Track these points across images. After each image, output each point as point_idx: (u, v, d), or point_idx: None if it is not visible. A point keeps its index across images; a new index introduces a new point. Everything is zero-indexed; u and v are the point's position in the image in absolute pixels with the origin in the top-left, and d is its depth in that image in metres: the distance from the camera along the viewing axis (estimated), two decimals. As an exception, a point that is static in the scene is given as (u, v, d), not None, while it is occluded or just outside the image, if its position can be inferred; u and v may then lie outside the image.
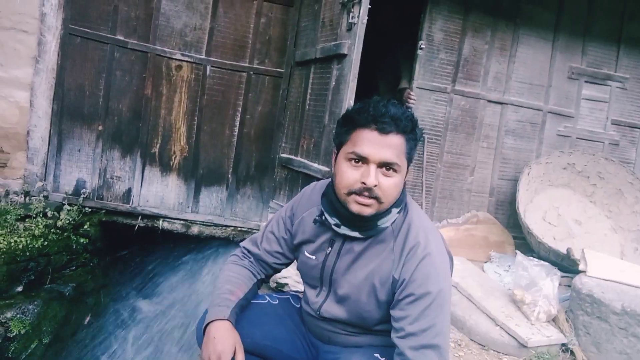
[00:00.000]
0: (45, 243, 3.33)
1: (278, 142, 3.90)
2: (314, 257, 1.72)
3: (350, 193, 1.49)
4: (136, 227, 3.78)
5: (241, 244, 1.92)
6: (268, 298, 1.90)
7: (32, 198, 3.46)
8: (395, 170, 1.46)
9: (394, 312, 1.49)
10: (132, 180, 3.74)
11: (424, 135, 4.12)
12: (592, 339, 3.20)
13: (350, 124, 1.54)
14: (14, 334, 2.82)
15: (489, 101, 4.29)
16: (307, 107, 3.56)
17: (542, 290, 3.43)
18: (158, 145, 3.75)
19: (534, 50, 4.36)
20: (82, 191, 3.63)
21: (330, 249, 1.66)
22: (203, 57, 3.75)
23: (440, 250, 1.52)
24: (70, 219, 3.49)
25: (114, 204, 3.72)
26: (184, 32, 3.72)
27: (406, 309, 1.45)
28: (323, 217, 1.66)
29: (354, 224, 1.56)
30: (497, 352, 3.09)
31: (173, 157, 3.78)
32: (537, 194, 4.37)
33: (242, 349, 1.54)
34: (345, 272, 1.61)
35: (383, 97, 1.58)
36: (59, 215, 3.45)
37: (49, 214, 3.42)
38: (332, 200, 1.60)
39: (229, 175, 3.88)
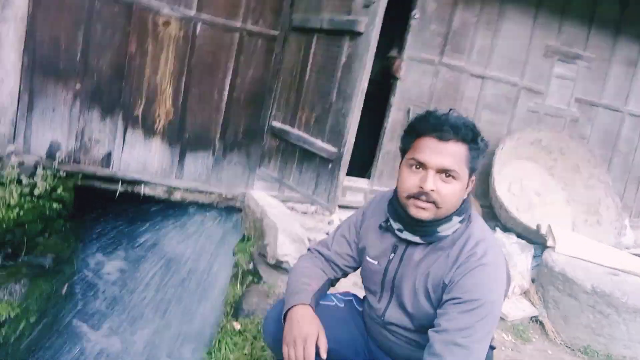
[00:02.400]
0: (21, 213, 3.06)
1: (268, 108, 3.75)
2: (376, 262, 1.76)
3: (409, 197, 1.55)
4: (117, 193, 3.55)
5: (311, 246, 1.95)
6: (335, 300, 1.95)
7: (3, 163, 3.12)
8: (454, 177, 1.52)
9: (438, 311, 1.56)
10: (112, 144, 3.46)
11: (409, 106, 4.14)
12: (560, 312, 3.53)
13: (412, 132, 1.59)
14: (3, 318, 2.63)
15: (472, 75, 4.36)
16: (308, 77, 3.43)
17: (517, 266, 3.70)
18: (141, 107, 3.46)
19: (517, 26, 4.42)
20: (57, 154, 3.31)
21: (393, 254, 1.70)
22: (193, 13, 3.43)
23: (497, 264, 1.57)
24: (47, 186, 3.21)
25: (92, 168, 3.45)
26: (172, -17, 3.37)
27: (448, 309, 1.51)
28: (388, 223, 1.71)
29: (415, 229, 1.61)
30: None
31: (157, 120, 3.52)
32: (505, 166, 4.60)
33: (324, 334, 1.58)
34: (406, 277, 1.66)
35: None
36: (36, 182, 3.16)
37: (24, 181, 3.12)
38: (396, 206, 1.64)
39: (216, 141, 3.70)
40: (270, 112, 3.74)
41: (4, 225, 2.95)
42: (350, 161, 3.19)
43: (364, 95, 3.07)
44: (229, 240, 3.84)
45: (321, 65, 3.32)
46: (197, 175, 3.72)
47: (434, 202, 1.52)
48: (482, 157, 1.61)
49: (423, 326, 1.65)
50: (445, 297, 1.55)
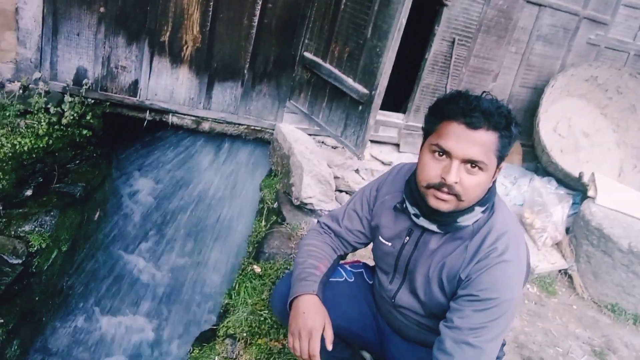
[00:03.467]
0: (50, 142, 3.07)
1: (300, 37, 3.51)
2: (389, 244, 1.69)
3: (429, 187, 1.43)
4: (145, 122, 3.51)
5: (320, 219, 1.88)
6: (345, 275, 1.91)
7: (30, 91, 3.09)
8: (480, 168, 1.38)
9: (451, 304, 1.49)
10: (139, 72, 3.35)
11: (454, 36, 3.82)
12: (592, 268, 3.43)
13: (438, 114, 1.44)
14: (35, 248, 2.72)
15: (528, 1, 3.93)
16: (343, 6, 3.16)
17: (552, 217, 3.55)
18: (168, 33, 3.30)
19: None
20: (83, 81, 3.24)
21: (407, 238, 1.63)
22: None
23: (518, 260, 1.47)
24: (75, 114, 3.19)
25: (119, 96, 3.38)
26: None
27: (463, 305, 1.45)
28: (404, 205, 1.61)
29: (432, 217, 1.51)
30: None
31: (185, 48, 3.36)
32: (553, 104, 4.29)
33: (330, 325, 1.55)
34: (420, 264, 1.59)
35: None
36: (63, 111, 3.13)
37: (52, 110, 3.09)
38: (414, 189, 1.54)
39: (245, 71, 3.53)
40: (303, 42, 3.51)
41: (34, 155, 2.97)
42: (384, 93, 3.00)
43: (402, 33, 2.81)
44: (256, 173, 3.81)
45: (358, -6, 3.03)
46: (225, 106, 3.61)
47: (455, 195, 1.40)
48: (514, 143, 1.45)
49: (434, 313, 1.61)
50: (460, 292, 1.48)
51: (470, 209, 1.46)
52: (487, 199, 1.49)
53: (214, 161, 3.86)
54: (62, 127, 3.16)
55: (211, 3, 3.28)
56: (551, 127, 4.35)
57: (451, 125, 1.38)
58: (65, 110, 3.15)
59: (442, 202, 1.42)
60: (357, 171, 3.82)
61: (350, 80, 3.07)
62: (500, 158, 1.42)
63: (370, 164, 3.97)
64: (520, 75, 4.23)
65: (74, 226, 3.09)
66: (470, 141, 1.36)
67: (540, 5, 3.97)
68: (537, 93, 4.30)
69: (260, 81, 3.60)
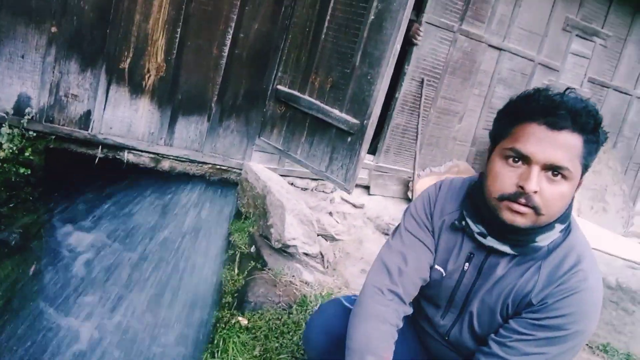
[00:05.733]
0: (-18, 178, 2.57)
1: (273, 70, 3.29)
2: (443, 271, 1.42)
3: (502, 198, 1.20)
4: (96, 159, 3.07)
5: (372, 282, 1.44)
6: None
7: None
8: (564, 177, 1.17)
9: (509, 322, 1.28)
10: (92, 101, 2.95)
11: (422, 76, 3.78)
12: (580, 307, 3.30)
13: (513, 114, 1.23)
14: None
15: (490, 45, 4.03)
16: (324, 37, 3.00)
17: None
18: (129, 60, 2.95)
19: (540, -5, 4.09)
20: (26, 110, 2.79)
21: (467, 264, 1.37)
22: (194, -49, 2.92)
23: (599, 288, 1.27)
24: (13, 148, 2.71)
25: (68, 128, 2.94)
26: None
27: (526, 327, 1.25)
28: (463, 223, 1.36)
29: (504, 235, 1.27)
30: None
31: (147, 77, 3.02)
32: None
33: None
34: (483, 294, 1.35)
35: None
36: (0, 143, 2.65)
37: (-13, 141, 2.61)
38: (479, 205, 1.30)
39: (213, 104, 3.23)
40: (276, 74, 3.29)
41: (-38, 193, 2.46)
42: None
43: (395, 60, 2.68)
44: (222, 217, 3.43)
45: (342, 23, 2.89)
46: (189, 142, 3.26)
47: (534, 208, 1.17)
48: (597, 153, 1.26)
49: None
50: (526, 314, 1.26)
51: (550, 226, 1.24)
52: (567, 216, 1.28)
53: (174, 205, 3.44)
54: (-2, 162, 2.66)
55: (178, 29, 3.00)
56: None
57: (530, 127, 1.17)
58: (3, 143, 2.67)
59: (519, 216, 1.19)
60: (330, 214, 3.56)
61: (336, 111, 2.87)
62: (585, 167, 1.20)
63: (341, 206, 3.72)
64: (483, 118, 4.26)
65: (9, 280, 2.54)
66: (554, 144, 1.15)
67: (500, 49, 4.07)
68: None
69: (228, 116, 3.31)
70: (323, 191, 3.82)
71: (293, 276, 2.76)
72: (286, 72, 3.24)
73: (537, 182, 1.16)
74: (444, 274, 1.42)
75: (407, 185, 4.04)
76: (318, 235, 3.32)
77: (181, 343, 2.98)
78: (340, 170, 2.85)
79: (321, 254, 3.08)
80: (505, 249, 1.28)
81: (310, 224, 2.93)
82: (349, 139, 2.79)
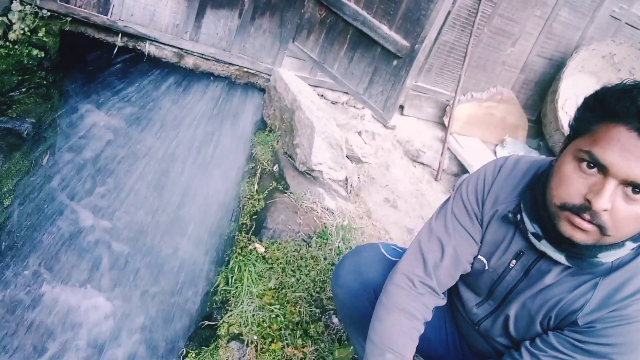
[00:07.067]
0: (-8, 61, 2.35)
1: (318, -35, 2.89)
2: (485, 262, 1.27)
3: (564, 207, 1.00)
4: (116, 48, 2.80)
5: (404, 269, 1.30)
6: None
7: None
8: None
9: (549, 334, 1.16)
10: (113, -18, 2.63)
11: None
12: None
13: (598, 110, 0.98)
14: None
15: (564, -40, 3.50)
16: None
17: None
18: (156, -63, 2.58)
19: None
20: (39, -14, 2.49)
21: (514, 262, 1.21)
22: None
23: None
24: (25, 28, 2.45)
25: (85, 11, 2.64)
26: None
27: (566, 346, 1.12)
28: (518, 217, 1.18)
29: (560, 244, 1.09)
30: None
31: (175, -41, 2.66)
32: (565, 80, 3.97)
33: None
34: (526, 297, 1.20)
35: None
36: (11, 23, 2.38)
37: (-4, 20, 2.34)
38: (539, 204, 1.10)
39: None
40: (320, -28, 2.90)
41: (-32, 77, 2.25)
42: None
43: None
44: (245, 125, 3.22)
45: None
46: (217, 39, 2.96)
47: (600, 227, 0.97)
48: None
49: None
50: (569, 333, 1.12)
51: (619, 244, 1.04)
52: None
53: (195, 104, 3.21)
54: (7, 43, 2.42)
55: None
56: (560, 105, 4.05)
57: (616, 130, 0.93)
58: (14, 22, 2.40)
59: (579, 232, 0.99)
60: (359, 133, 3.34)
61: (384, 27, 2.53)
62: None
63: (371, 125, 3.49)
64: (539, 44, 3.85)
65: (21, 174, 2.42)
66: None
67: (575, -34, 3.56)
68: (552, 65, 3.97)
69: (262, 14, 2.96)
70: (354, 106, 3.57)
71: (315, 202, 2.62)
72: (332, -29, 2.84)
73: (609, 199, 0.94)
74: (487, 267, 1.27)
75: (443, 110, 3.76)
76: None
77: (197, 246, 2.92)
78: (379, 96, 2.58)
79: (346, 177, 2.92)
80: (560, 258, 1.10)
81: (339, 148, 2.73)
82: (395, 63, 2.49)
